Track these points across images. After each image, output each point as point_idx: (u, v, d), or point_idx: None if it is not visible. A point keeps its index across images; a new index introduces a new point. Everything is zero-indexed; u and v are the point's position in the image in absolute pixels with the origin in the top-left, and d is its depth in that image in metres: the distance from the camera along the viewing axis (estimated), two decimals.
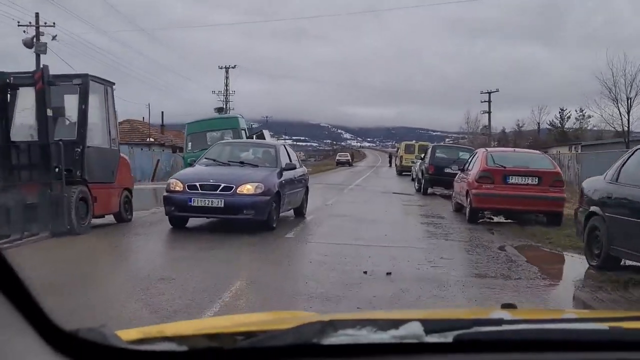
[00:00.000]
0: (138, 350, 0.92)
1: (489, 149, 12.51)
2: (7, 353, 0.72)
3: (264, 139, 20.61)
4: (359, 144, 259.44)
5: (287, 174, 9.78)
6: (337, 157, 65.53)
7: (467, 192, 11.37)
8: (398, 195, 19.37)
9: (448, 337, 0.97)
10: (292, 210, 11.04)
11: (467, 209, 11.43)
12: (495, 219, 12.07)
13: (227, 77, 54.89)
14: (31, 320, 0.77)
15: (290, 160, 10.43)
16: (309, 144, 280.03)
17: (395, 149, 66.04)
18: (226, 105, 54.88)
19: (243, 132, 18.01)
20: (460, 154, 19.13)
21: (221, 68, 55.01)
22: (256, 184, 8.71)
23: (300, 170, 11.18)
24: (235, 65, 55.00)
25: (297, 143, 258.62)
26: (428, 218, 12.28)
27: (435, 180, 19.03)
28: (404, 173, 36.65)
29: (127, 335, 1.02)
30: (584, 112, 67.27)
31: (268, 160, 9.93)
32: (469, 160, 12.87)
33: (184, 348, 0.94)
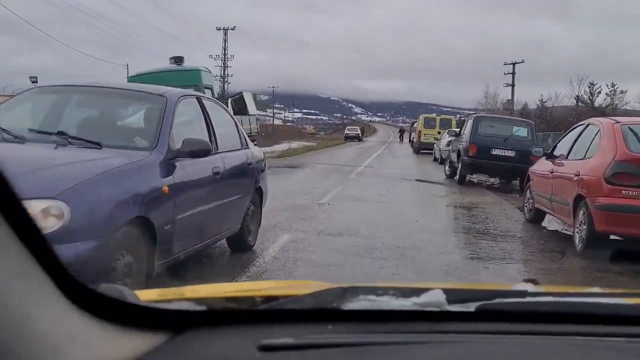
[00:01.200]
0: (156, 309, 0.92)
1: (623, 121, 6.57)
2: (24, 301, 0.70)
3: (245, 105, 15.38)
4: (369, 119, 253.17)
5: (191, 167, 4.15)
6: (346, 132, 59.45)
7: (580, 198, 6.02)
8: (424, 184, 14.05)
9: (470, 307, 0.97)
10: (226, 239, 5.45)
11: (579, 231, 6.07)
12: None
13: (225, 40, 49.37)
14: (48, 270, 0.74)
15: (212, 133, 4.78)
16: (319, 117, 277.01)
17: (410, 124, 60.30)
18: (224, 71, 49.45)
19: (208, 91, 12.74)
20: (516, 129, 13.71)
21: (219, 29, 49.36)
22: (46, 202, 2.86)
23: (239, 155, 5.49)
24: (235, 27, 49.59)
25: (308, 116, 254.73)
26: (497, 241, 6.88)
27: (478, 165, 13.66)
28: (422, 151, 31.26)
29: (147, 295, 1.02)
30: (615, 86, 61.54)
31: (142, 130, 4.23)
32: (568, 140, 7.46)
33: (202, 308, 0.95)
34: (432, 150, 30.73)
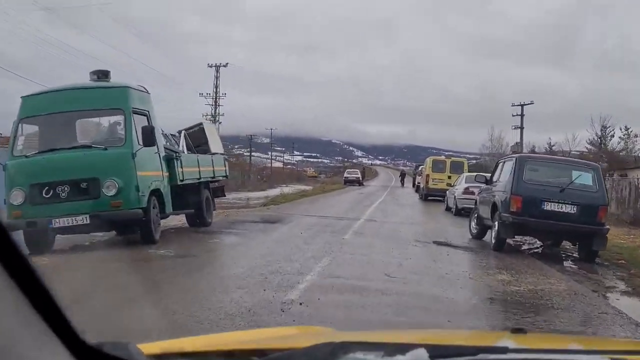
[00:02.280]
0: None
1: None
2: None
3: (206, 141, 11.66)
4: (370, 162, 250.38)
5: None
6: (345, 175, 55.04)
7: None
8: (447, 249, 10.12)
9: None
10: None
11: None
12: None
13: (217, 77, 46.08)
14: (57, 331, 0.79)
15: None
16: (320, 160, 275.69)
17: (413, 167, 56.45)
18: (215, 109, 46.06)
19: (143, 118, 8.94)
20: (577, 175, 9.82)
21: (210, 66, 46.20)
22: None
23: None
24: (227, 64, 46.16)
25: (309, 159, 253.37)
26: None
27: (524, 225, 9.72)
28: (430, 197, 27.38)
29: (149, 349, 1.06)
30: (629, 130, 58.11)
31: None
32: None
33: None
34: (441, 197, 26.95)
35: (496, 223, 10.12)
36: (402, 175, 58.95)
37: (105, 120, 9.48)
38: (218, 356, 1.10)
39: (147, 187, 8.73)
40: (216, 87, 45.76)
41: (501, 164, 11.33)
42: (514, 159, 10.26)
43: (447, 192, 21.55)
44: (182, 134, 11.27)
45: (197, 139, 11.78)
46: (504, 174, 10.56)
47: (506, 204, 9.79)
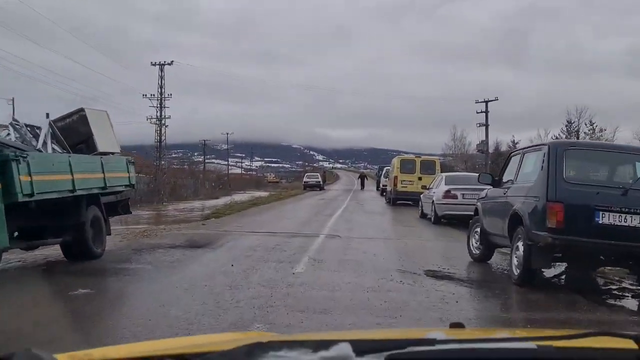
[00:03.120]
0: None
1: None
2: None
3: (91, 136, 7.94)
4: (331, 166, 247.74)
5: None
6: (305, 179, 50.67)
7: None
8: (446, 285, 6.67)
9: (379, 357, 0.98)
10: None
11: None
12: None
13: (161, 77, 41.72)
14: None
15: None
16: (280, 165, 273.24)
17: (377, 168, 53.08)
18: (160, 112, 41.76)
19: None
20: None
21: (154, 65, 41.87)
22: None
23: None
24: (172, 62, 41.83)
25: (270, 165, 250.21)
26: None
27: (571, 248, 6.32)
28: (399, 202, 24.07)
29: (61, 359, 1.02)
30: (594, 124, 56.45)
31: None
32: None
33: None
34: (411, 201, 23.69)
35: (521, 245, 6.69)
36: (362, 177, 55.70)
37: None
38: None
39: None
40: (161, 87, 41.38)
41: (518, 156, 7.84)
42: (546, 147, 6.77)
43: (422, 196, 18.18)
44: (47, 125, 7.45)
45: (75, 133, 8.00)
46: (527, 171, 7.16)
47: (538, 217, 6.38)
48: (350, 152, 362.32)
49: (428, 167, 23.88)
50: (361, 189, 49.35)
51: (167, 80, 41.81)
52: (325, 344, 0.96)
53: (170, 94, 42.13)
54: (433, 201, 15.66)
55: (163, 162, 43.82)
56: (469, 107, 54.08)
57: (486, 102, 56.37)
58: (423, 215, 17.49)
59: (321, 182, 48.52)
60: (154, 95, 41.40)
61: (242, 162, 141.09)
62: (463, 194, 14.29)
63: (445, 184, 15.19)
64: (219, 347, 1.06)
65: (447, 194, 14.63)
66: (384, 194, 35.47)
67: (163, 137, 41.39)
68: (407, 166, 24.36)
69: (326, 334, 1.99)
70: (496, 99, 56.10)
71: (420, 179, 23.61)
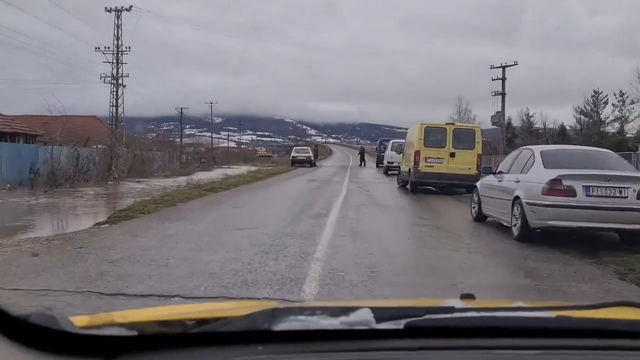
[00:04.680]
0: (88, 335, 0.92)
1: None
2: None
3: None
4: (324, 140, 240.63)
5: None
6: (293, 154, 42.85)
7: None
8: None
9: (399, 324, 0.97)
10: None
11: None
12: None
13: (118, 26, 34.22)
14: None
15: None
16: (273, 139, 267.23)
17: (378, 143, 45.87)
18: (117, 70, 34.35)
19: None
20: None
21: (109, 11, 34.33)
22: None
23: None
24: (130, 7, 34.27)
25: (262, 139, 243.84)
26: None
27: None
28: (419, 187, 17.19)
29: (79, 321, 1.00)
30: (624, 95, 49.45)
31: None
32: None
33: (133, 333, 0.94)
34: (441, 187, 17.11)
35: None
36: (362, 152, 48.91)
37: None
38: (151, 324, 1.00)
39: None
40: (117, 38, 33.93)
41: None
42: None
43: (481, 184, 11.06)
44: None
45: None
46: None
47: None
48: (343, 127, 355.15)
49: (464, 139, 16.93)
50: (360, 165, 43.74)
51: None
52: (346, 310, 0.98)
53: (129, 47, 34.70)
54: (516, 198, 8.61)
55: (126, 132, 36.72)
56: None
57: (503, 67, 49.53)
58: (481, 218, 10.64)
59: (312, 158, 41.57)
60: (108, 48, 34.00)
61: (234, 136, 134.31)
62: (588, 188, 7.47)
63: (545, 167, 8.21)
64: (240, 313, 1.05)
65: (555, 187, 7.69)
66: (388, 172, 28.63)
67: (120, 100, 34.03)
68: (433, 137, 17.12)
69: (346, 301, 2.03)
70: (515, 64, 49.38)
71: (452, 155, 16.74)
